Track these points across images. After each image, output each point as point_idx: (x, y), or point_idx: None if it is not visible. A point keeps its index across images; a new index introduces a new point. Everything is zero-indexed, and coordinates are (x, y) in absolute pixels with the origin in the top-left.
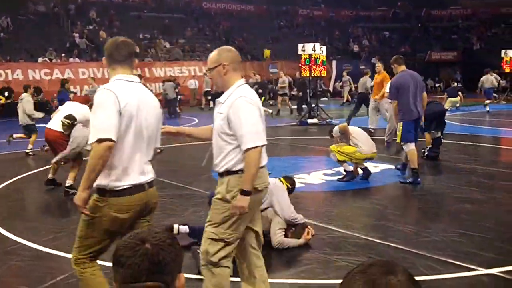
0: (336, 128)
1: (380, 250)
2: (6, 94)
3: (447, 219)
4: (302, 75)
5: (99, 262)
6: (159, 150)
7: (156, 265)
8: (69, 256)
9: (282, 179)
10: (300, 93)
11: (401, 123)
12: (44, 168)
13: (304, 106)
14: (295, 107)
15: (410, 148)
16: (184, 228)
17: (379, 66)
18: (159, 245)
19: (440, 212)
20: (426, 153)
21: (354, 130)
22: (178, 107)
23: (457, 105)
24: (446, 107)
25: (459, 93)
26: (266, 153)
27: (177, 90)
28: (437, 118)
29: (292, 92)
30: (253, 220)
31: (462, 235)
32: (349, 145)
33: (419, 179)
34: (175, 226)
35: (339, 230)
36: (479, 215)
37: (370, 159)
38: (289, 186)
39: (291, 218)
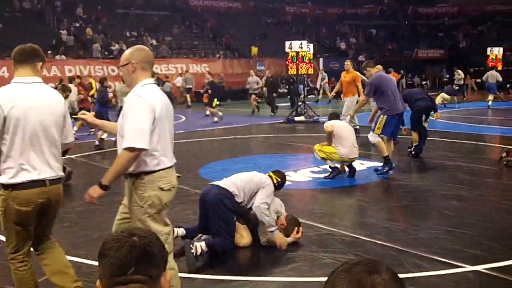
0: (324, 126)
1: (367, 248)
2: None
3: (433, 216)
4: (272, 74)
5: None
6: None
7: (144, 255)
8: None
9: (271, 173)
10: (274, 94)
11: (385, 116)
12: None
13: (289, 103)
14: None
15: (377, 139)
16: (181, 231)
17: (348, 64)
18: (147, 238)
19: (426, 209)
20: (413, 152)
21: (343, 131)
22: None
23: (446, 102)
24: (437, 102)
25: (455, 97)
26: (170, 153)
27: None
28: (426, 114)
29: (254, 92)
30: None
31: (448, 232)
32: (331, 145)
33: (393, 164)
34: (198, 246)
35: (326, 227)
36: (465, 212)
37: (347, 162)
38: (279, 180)
39: (259, 214)
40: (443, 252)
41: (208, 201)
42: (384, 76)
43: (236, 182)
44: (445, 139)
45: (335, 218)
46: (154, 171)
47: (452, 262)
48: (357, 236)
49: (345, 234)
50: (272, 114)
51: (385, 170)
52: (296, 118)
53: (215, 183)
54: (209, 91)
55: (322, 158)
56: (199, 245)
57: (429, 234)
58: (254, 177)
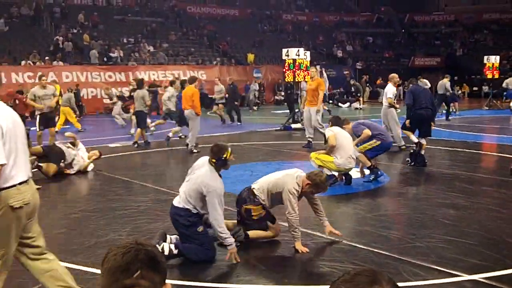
0: (326, 134)
1: (364, 256)
2: None
3: (430, 225)
4: (233, 81)
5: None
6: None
7: (150, 260)
8: None
9: (209, 158)
10: (236, 102)
11: (379, 142)
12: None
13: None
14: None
15: (357, 153)
16: (174, 238)
17: (313, 71)
18: (152, 246)
19: (424, 217)
20: (412, 163)
21: (342, 140)
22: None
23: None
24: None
25: (456, 103)
26: (25, 167)
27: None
28: (423, 124)
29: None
30: (26, 232)
31: (446, 241)
32: (328, 154)
33: (379, 172)
34: (166, 246)
35: (323, 235)
36: (462, 221)
37: (344, 172)
38: (214, 161)
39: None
40: (440, 260)
41: (171, 221)
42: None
43: (181, 195)
44: (442, 147)
45: (332, 226)
46: (5, 188)
47: (450, 271)
48: (354, 244)
49: (342, 242)
50: (239, 123)
51: (371, 178)
52: (293, 126)
53: (174, 201)
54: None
55: (319, 166)
56: (167, 246)
57: (427, 243)
58: (194, 177)
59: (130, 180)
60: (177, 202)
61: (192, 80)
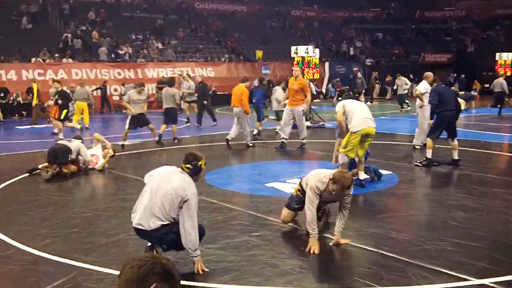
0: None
1: (372, 259)
2: (2, 94)
3: (439, 227)
4: (202, 80)
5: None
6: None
7: (165, 273)
8: (65, 261)
9: (182, 165)
10: (206, 102)
11: None
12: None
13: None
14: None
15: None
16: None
17: (297, 70)
18: (167, 259)
19: (433, 219)
20: (423, 163)
21: (351, 107)
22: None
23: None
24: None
25: (473, 102)
26: None
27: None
28: (450, 125)
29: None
30: None
31: (455, 244)
32: (345, 134)
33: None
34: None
35: (331, 237)
36: (471, 223)
37: (368, 135)
38: (189, 167)
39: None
40: (449, 264)
41: (154, 242)
42: None
43: (152, 214)
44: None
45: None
46: None
47: (459, 275)
48: (362, 246)
49: (350, 244)
50: (215, 122)
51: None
52: None
53: (143, 224)
54: (59, 101)
55: (351, 158)
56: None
57: (435, 246)
58: (163, 188)
59: (140, 179)
60: (151, 223)
61: (244, 80)
